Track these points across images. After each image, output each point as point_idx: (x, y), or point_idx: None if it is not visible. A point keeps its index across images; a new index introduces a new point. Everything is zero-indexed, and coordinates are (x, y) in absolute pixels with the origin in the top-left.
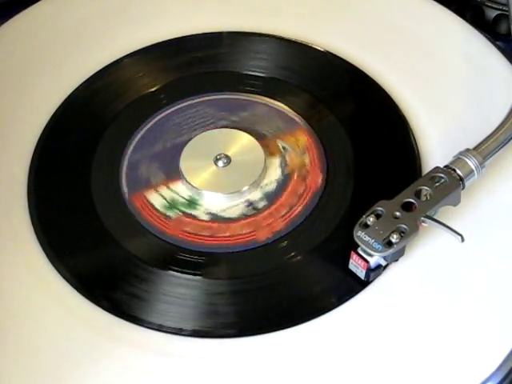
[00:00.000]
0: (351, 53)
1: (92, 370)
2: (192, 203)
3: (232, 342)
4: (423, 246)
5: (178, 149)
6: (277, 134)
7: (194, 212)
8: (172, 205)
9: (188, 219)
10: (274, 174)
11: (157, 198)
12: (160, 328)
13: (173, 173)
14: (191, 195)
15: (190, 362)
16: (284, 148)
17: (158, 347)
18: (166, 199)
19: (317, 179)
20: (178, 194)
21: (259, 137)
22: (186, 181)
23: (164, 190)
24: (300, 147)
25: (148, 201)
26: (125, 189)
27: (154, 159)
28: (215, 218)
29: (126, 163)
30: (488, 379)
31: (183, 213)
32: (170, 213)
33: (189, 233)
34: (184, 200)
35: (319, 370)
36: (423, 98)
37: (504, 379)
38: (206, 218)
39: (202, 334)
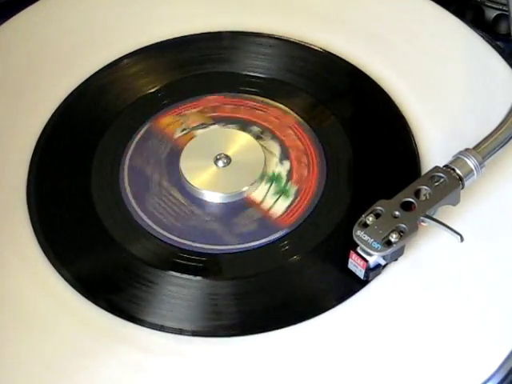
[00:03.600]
0: (351, 53)
1: (94, 370)
2: None
3: (232, 342)
4: (422, 246)
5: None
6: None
7: None
8: None
9: None
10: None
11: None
12: (161, 329)
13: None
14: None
15: (190, 362)
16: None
17: (159, 348)
18: None
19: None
20: None
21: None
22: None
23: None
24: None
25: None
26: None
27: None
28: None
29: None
30: (488, 380)
31: None
32: None
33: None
34: None
35: (319, 369)
36: (423, 98)
37: (504, 379)
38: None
39: (203, 335)
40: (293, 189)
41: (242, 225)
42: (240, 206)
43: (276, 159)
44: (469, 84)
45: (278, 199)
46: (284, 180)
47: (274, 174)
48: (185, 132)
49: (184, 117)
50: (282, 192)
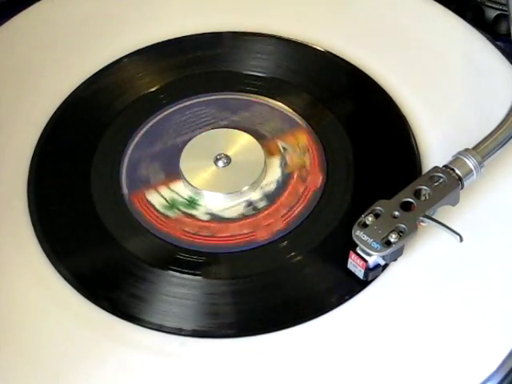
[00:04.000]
0: (351, 53)
1: (92, 370)
2: (192, 203)
3: (232, 342)
4: (422, 246)
5: (178, 149)
6: (277, 134)
7: (193, 212)
8: (172, 205)
9: (188, 219)
10: (274, 174)
11: (156, 198)
12: (160, 328)
13: (173, 173)
14: (191, 195)
15: (189, 362)
16: (284, 148)
17: (158, 347)
18: (165, 199)
19: (317, 179)
20: (177, 193)
21: (259, 137)
22: (186, 181)
23: (164, 190)
24: (300, 147)
25: (148, 200)
26: (125, 189)
27: (154, 159)
28: (215, 217)
29: (126, 163)
30: (488, 379)
31: (183, 213)
32: (169, 212)
33: (188, 232)
34: (184, 200)
35: (319, 369)
36: (423, 98)
37: (504, 379)
38: (205, 218)
39: (202, 334)
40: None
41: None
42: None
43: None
44: (469, 84)
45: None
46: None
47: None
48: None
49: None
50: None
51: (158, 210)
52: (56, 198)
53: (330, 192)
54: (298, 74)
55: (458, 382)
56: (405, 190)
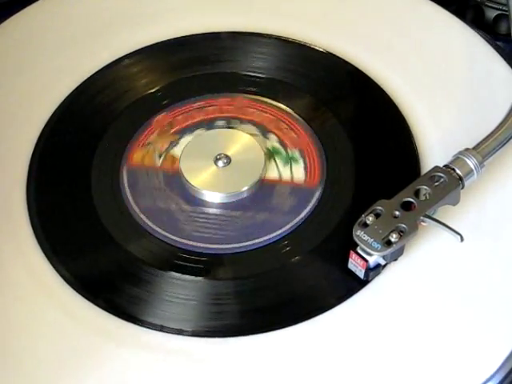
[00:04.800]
0: (351, 53)
1: (93, 371)
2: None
3: (232, 342)
4: (422, 246)
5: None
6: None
7: None
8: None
9: None
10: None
11: None
12: (161, 329)
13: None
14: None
15: (190, 363)
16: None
17: (160, 348)
18: None
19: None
20: None
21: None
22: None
23: None
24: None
25: None
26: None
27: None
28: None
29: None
30: (489, 379)
31: None
32: None
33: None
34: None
35: (319, 369)
36: (423, 98)
37: (505, 379)
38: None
39: (203, 335)
40: (297, 155)
41: (248, 219)
42: (239, 205)
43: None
44: (469, 84)
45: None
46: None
47: (273, 148)
48: (163, 158)
49: (149, 145)
50: (290, 159)
51: None
52: (56, 199)
53: (330, 192)
54: (297, 74)
55: (459, 382)
56: (405, 189)
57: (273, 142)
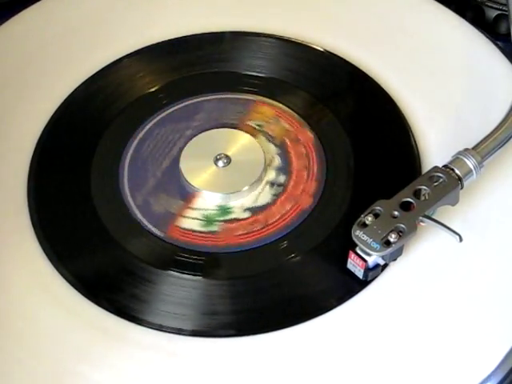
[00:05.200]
0: (351, 53)
1: (93, 370)
2: (225, 210)
3: (232, 342)
4: (421, 246)
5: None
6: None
7: (232, 216)
8: (209, 220)
9: (232, 224)
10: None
11: (190, 222)
12: (160, 328)
13: (186, 193)
14: (218, 204)
15: (189, 362)
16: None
17: (158, 347)
18: (199, 219)
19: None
20: (205, 209)
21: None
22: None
23: (190, 212)
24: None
25: (185, 228)
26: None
27: (158, 190)
28: (253, 210)
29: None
30: (487, 379)
31: (224, 221)
32: (212, 228)
33: (243, 235)
34: (216, 211)
35: (319, 369)
36: (423, 98)
37: (504, 379)
38: (246, 215)
39: (202, 334)
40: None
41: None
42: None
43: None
44: (469, 84)
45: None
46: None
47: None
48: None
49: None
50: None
51: (201, 231)
52: (56, 199)
53: (329, 192)
54: (297, 74)
55: (458, 381)
56: (404, 189)
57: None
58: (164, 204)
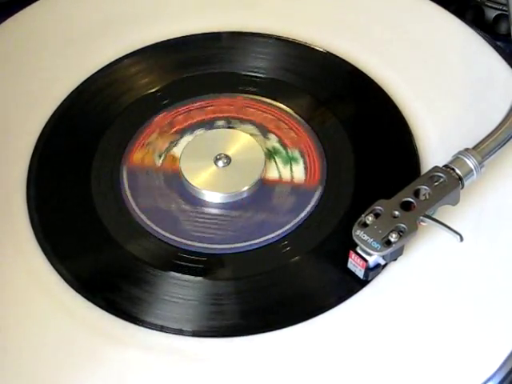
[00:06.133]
0: (351, 53)
1: (93, 371)
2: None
3: (232, 342)
4: (422, 246)
5: (179, 149)
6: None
7: None
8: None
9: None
10: (275, 174)
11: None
12: (161, 329)
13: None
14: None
15: (191, 363)
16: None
17: (160, 348)
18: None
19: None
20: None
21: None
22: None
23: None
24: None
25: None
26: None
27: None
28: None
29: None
30: (489, 379)
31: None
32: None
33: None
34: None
35: (319, 369)
36: (423, 98)
37: (505, 379)
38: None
39: (203, 335)
40: (297, 155)
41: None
42: (239, 205)
43: (276, 159)
44: (469, 84)
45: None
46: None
47: (274, 149)
48: (163, 158)
49: (149, 145)
50: (290, 159)
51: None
52: (56, 199)
53: (330, 192)
54: (297, 74)
55: (459, 381)
56: (405, 189)
57: (273, 142)
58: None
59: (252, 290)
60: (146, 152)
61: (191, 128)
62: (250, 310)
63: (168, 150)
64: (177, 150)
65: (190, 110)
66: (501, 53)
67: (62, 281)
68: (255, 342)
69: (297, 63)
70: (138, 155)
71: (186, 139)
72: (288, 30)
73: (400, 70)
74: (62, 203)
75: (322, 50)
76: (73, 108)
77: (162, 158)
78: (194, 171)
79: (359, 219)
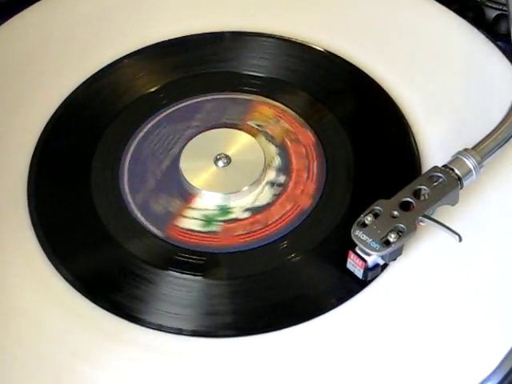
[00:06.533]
0: (351, 52)
1: (92, 370)
2: (225, 210)
3: (232, 342)
4: (421, 246)
5: (179, 149)
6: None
7: (232, 216)
8: (209, 220)
9: (232, 224)
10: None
11: (190, 222)
12: (160, 328)
13: (185, 192)
14: (218, 204)
15: (189, 363)
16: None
17: (158, 347)
18: (199, 219)
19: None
20: (205, 209)
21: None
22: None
23: (189, 212)
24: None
25: (185, 228)
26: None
27: (159, 190)
28: (253, 210)
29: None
30: (487, 379)
31: (224, 221)
32: (212, 228)
33: (242, 235)
34: (216, 211)
35: (319, 369)
36: (423, 98)
37: (504, 379)
38: (246, 215)
39: (202, 334)
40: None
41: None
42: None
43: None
44: (469, 84)
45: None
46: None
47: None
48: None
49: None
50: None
51: (201, 232)
52: (56, 199)
53: (329, 192)
54: (297, 73)
55: (458, 381)
56: (404, 189)
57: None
58: (164, 204)
59: (251, 290)
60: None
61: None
62: (250, 310)
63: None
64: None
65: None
66: (501, 53)
67: (62, 279)
68: (255, 342)
69: (297, 63)
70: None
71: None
72: (288, 30)
73: (400, 69)
74: (62, 203)
75: (321, 49)
76: (73, 108)
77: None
78: (194, 171)
79: (358, 219)
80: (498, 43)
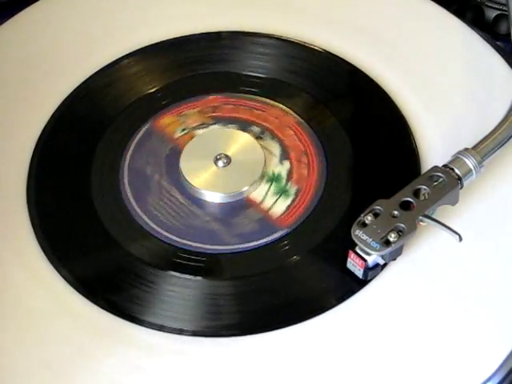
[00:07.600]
0: (351, 53)
1: (93, 371)
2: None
3: (232, 342)
4: (421, 246)
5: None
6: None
7: None
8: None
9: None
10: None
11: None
12: (161, 328)
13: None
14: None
15: (191, 363)
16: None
17: (159, 348)
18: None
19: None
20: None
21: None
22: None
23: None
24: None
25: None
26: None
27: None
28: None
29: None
30: (488, 379)
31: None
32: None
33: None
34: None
35: (319, 369)
36: (423, 98)
37: (504, 380)
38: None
39: (203, 335)
40: (293, 189)
41: (242, 225)
42: (240, 206)
43: (276, 159)
44: (469, 84)
45: (278, 199)
46: (284, 180)
47: (274, 174)
48: (185, 132)
49: (184, 116)
50: (282, 192)
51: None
52: (56, 199)
53: (329, 192)
54: (297, 74)
55: (458, 381)
56: (404, 189)
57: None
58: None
59: (252, 290)
60: (175, 120)
61: (224, 121)
62: (250, 309)
63: (194, 128)
64: (200, 132)
65: (239, 105)
66: (501, 53)
67: (62, 281)
68: (255, 342)
69: (297, 63)
70: (167, 120)
71: (214, 127)
72: (288, 30)
73: (400, 70)
74: (62, 203)
75: (321, 49)
76: (73, 108)
77: (183, 133)
78: (194, 171)
79: (358, 219)
80: (498, 43)
